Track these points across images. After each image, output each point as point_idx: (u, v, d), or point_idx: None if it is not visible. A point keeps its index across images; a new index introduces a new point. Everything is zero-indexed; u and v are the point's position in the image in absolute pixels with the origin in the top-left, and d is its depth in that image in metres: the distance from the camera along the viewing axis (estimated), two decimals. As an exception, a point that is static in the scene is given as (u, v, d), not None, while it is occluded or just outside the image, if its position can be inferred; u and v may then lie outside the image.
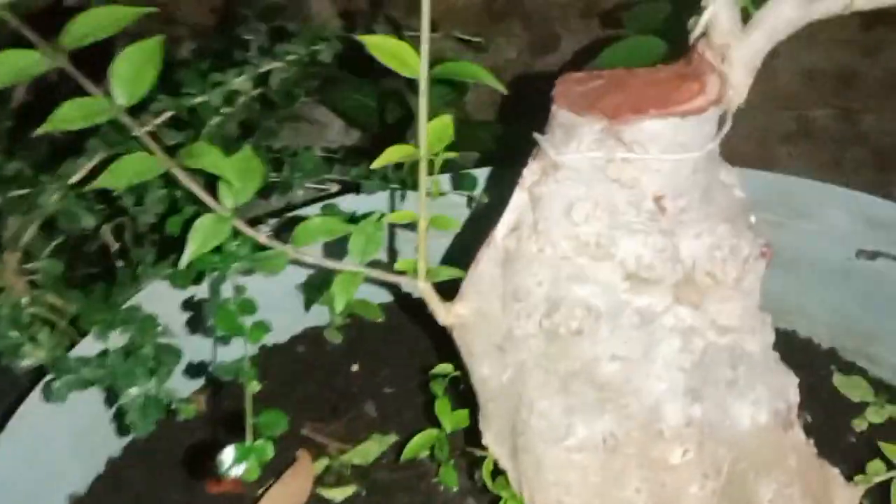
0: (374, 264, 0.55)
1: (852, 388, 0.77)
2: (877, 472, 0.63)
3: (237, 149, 0.55)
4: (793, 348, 0.83)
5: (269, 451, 0.51)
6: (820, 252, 0.80)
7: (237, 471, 0.51)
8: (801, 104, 1.12)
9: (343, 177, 0.73)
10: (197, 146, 0.54)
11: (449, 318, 0.58)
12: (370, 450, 0.74)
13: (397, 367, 0.81)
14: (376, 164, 0.52)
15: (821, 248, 0.80)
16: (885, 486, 0.63)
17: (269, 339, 0.83)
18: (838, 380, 0.78)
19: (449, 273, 0.58)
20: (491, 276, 0.56)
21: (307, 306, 0.81)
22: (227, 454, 0.50)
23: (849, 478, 0.63)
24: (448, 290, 0.58)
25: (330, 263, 0.57)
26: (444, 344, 0.61)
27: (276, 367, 0.81)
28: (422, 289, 0.57)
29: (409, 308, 0.85)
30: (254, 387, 0.53)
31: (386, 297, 0.86)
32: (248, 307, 0.57)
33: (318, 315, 0.84)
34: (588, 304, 0.54)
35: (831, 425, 0.76)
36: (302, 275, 0.80)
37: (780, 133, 1.12)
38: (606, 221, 0.52)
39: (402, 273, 0.57)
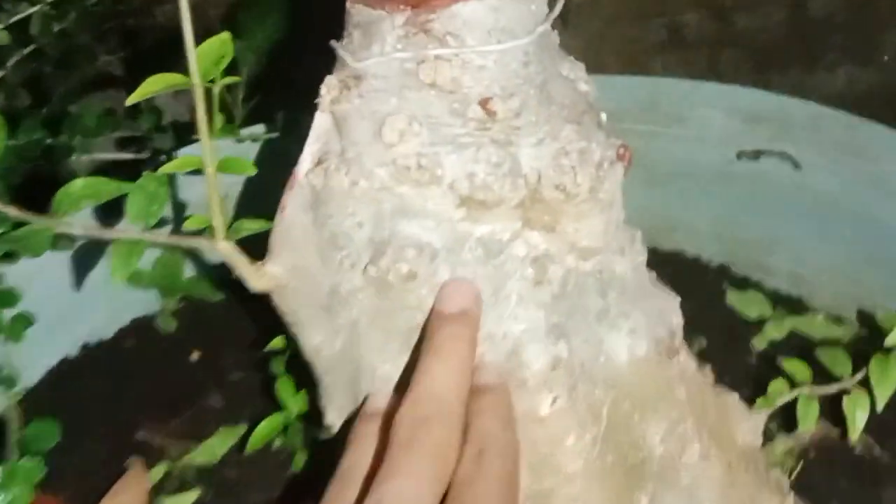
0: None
1: (748, 305, 0.70)
2: (779, 391, 0.55)
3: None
4: (681, 269, 0.76)
5: (39, 471, 0.41)
6: (698, 159, 0.73)
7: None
8: (670, 9, 1.05)
9: (134, 133, 0.61)
10: None
11: (261, 282, 0.48)
12: (216, 446, 0.63)
13: (243, 350, 0.70)
14: (131, 100, 0.42)
15: (699, 154, 0.72)
16: (792, 406, 0.56)
17: (92, 336, 0.71)
18: (732, 297, 0.71)
19: (254, 227, 0.48)
20: (302, 224, 0.46)
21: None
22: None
23: (752, 402, 0.56)
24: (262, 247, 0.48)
25: (106, 233, 0.47)
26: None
27: (102, 366, 0.69)
28: (223, 250, 0.47)
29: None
30: (14, 395, 0.42)
31: (224, 272, 0.75)
32: (8, 298, 0.45)
33: (147, 303, 0.72)
34: (419, 241, 0.44)
35: (730, 348, 0.69)
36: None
37: (652, 43, 1.05)
38: (426, 137, 0.43)
39: (196, 234, 0.47)
